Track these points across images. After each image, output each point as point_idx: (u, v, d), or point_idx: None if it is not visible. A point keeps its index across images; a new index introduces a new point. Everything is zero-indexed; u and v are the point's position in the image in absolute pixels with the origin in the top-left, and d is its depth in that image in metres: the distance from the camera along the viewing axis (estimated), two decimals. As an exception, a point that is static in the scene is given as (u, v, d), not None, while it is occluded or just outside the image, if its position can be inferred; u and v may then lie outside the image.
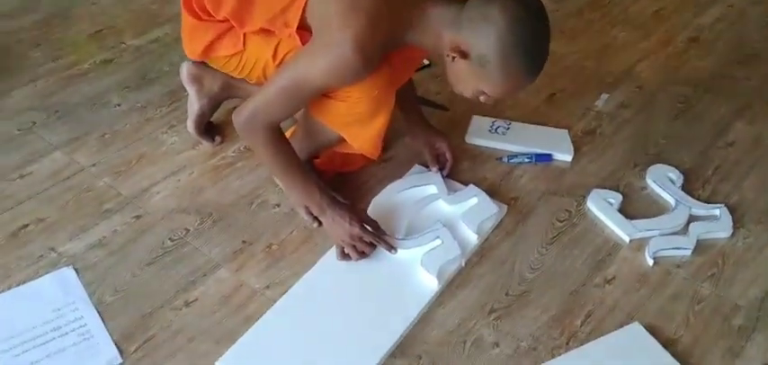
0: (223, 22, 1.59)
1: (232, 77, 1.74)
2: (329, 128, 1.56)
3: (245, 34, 1.57)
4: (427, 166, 1.76)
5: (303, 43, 1.47)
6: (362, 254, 1.54)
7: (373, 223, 1.57)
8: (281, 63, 1.54)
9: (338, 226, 1.54)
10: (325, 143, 1.64)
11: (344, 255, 1.54)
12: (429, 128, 1.81)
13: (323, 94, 1.48)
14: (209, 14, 1.59)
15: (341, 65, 1.36)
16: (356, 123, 1.52)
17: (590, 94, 2.08)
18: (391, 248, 1.55)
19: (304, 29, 1.48)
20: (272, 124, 1.49)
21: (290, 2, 1.47)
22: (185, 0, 1.63)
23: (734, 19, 2.46)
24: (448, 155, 1.77)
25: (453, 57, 1.40)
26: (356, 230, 1.53)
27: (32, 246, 1.59)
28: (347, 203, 1.58)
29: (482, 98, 1.44)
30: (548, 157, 1.84)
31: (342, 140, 1.59)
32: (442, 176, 1.73)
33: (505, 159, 1.83)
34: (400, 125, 1.80)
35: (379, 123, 1.53)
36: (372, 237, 1.54)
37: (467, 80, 1.42)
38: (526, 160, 1.82)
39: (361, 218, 1.56)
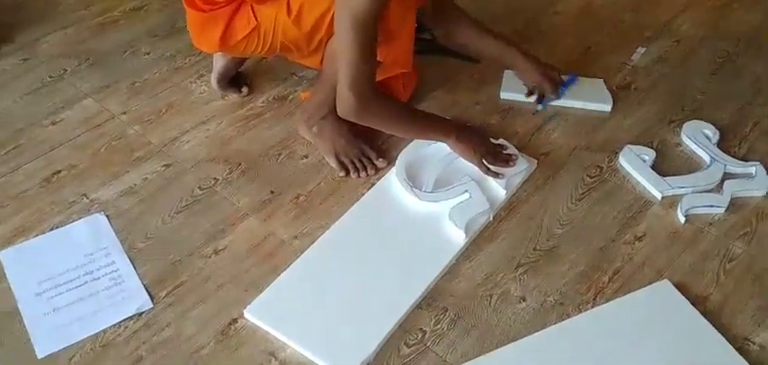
0: (228, 5, 1.60)
1: None
2: None
3: (252, 7, 1.58)
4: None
5: None
6: (506, 163, 1.63)
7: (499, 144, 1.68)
8: (297, 16, 1.55)
9: (480, 143, 1.63)
10: None
11: (491, 172, 1.61)
12: (535, 59, 1.85)
13: None
14: (212, 2, 1.60)
15: None
16: (386, 41, 1.52)
17: (627, 48, 2.06)
18: (512, 161, 1.64)
19: None
20: (374, 84, 1.51)
21: None
22: None
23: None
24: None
25: None
26: (491, 145, 1.65)
27: (65, 192, 1.64)
28: (471, 126, 1.73)
29: None
30: (573, 79, 1.86)
31: None
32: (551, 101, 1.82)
33: (540, 107, 1.83)
34: (430, 79, 1.81)
35: (407, 32, 1.57)
36: (503, 151, 1.66)
37: None
38: (556, 98, 1.84)
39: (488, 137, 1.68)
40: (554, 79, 1.84)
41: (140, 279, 1.46)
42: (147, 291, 1.43)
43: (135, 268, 1.48)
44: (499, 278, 1.47)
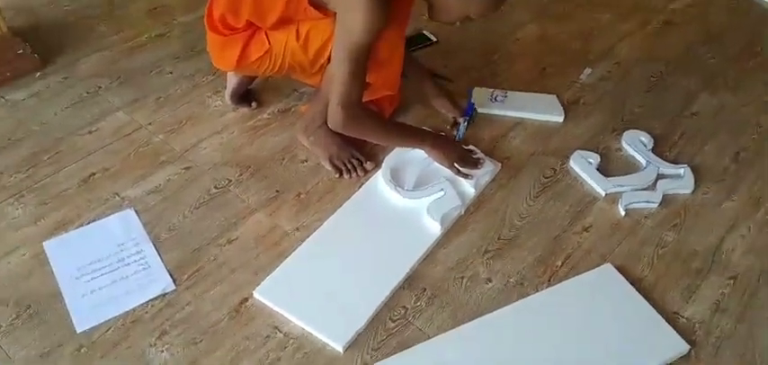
0: (245, 31, 1.59)
1: None
2: None
3: (266, 32, 1.57)
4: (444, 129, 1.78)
5: (317, 10, 1.47)
6: (475, 166, 1.63)
7: (469, 149, 1.67)
8: (304, 41, 1.54)
9: (452, 149, 1.62)
10: None
11: (461, 174, 1.60)
12: (447, 92, 1.83)
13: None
14: (232, 28, 1.59)
15: (370, 15, 1.37)
16: (377, 67, 1.51)
17: (576, 69, 2.06)
18: (480, 164, 1.63)
19: (314, 3, 1.48)
20: (361, 102, 1.50)
21: None
22: (210, 21, 1.62)
23: (703, 6, 2.42)
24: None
25: None
26: (462, 151, 1.64)
27: (100, 191, 1.62)
28: (445, 135, 1.71)
29: (464, 21, 1.45)
30: (470, 107, 1.80)
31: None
32: (467, 127, 1.76)
33: (457, 134, 1.75)
34: (409, 97, 1.82)
35: (397, 59, 1.55)
36: (472, 155, 1.65)
37: (453, 7, 1.43)
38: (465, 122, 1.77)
39: (459, 144, 1.68)
40: (459, 109, 1.79)
41: (164, 265, 1.45)
42: (171, 275, 1.43)
43: (160, 255, 1.47)
44: (469, 262, 1.47)
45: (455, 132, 1.76)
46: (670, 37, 2.25)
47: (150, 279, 1.42)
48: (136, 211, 1.57)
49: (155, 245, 1.49)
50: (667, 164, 1.70)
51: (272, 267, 1.44)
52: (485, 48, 2.15)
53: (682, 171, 1.67)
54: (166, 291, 1.40)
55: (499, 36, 2.21)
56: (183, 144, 1.77)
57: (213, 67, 1.83)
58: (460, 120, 1.76)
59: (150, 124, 1.84)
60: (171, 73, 2.04)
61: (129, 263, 1.45)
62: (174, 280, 1.42)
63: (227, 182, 1.66)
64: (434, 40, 2.17)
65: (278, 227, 1.54)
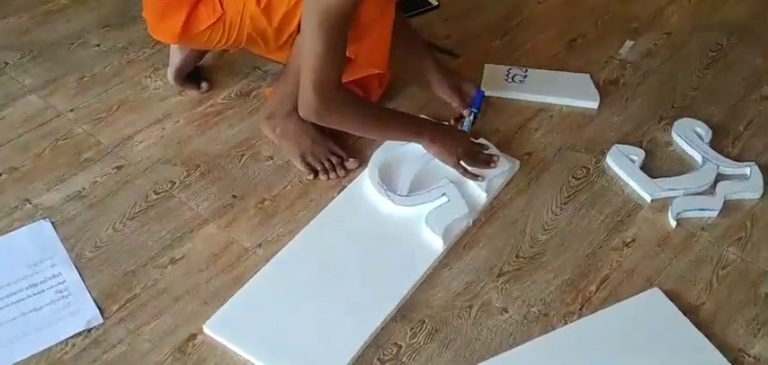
0: None
1: None
2: None
3: None
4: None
5: None
6: (487, 164, 1.63)
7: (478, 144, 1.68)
8: (266, 6, 1.54)
9: (457, 143, 1.63)
10: None
11: (469, 174, 1.62)
12: (450, 71, 1.82)
13: None
14: None
15: None
16: (358, 37, 1.51)
17: (614, 41, 2.07)
18: (492, 162, 1.64)
19: None
20: (340, 84, 1.49)
21: None
22: None
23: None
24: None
25: None
26: (470, 145, 1.65)
27: (5, 197, 1.61)
28: (448, 125, 1.72)
29: None
30: (479, 95, 1.79)
31: None
32: (474, 121, 1.75)
33: (463, 128, 1.75)
34: (404, 75, 1.82)
35: (384, 28, 1.55)
36: (482, 150, 1.66)
37: None
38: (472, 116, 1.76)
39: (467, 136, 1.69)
40: (465, 95, 1.78)
41: (89, 291, 1.44)
42: (97, 305, 1.42)
43: (83, 280, 1.46)
44: (479, 287, 1.47)
45: (460, 125, 1.76)
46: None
47: (71, 310, 1.41)
48: (52, 223, 1.56)
49: (77, 267, 1.48)
50: (730, 161, 1.71)
51: (227, 295, 1.44)
52: (499, 14, 2.16)
53: (748, 170, 1.68)
54: (92, 326, 1.39)
55: (517, -2, 2.22)
56: (113, 136, 1.76)
57: (152, 39, 1.83)
58: (465, 112, 1.76)
59: (71, 111, 1.83)
60: (98, 45, 2.04)
61: (43, 290, 1.44)
62: (102, 312, 1.41)
63: (169, 185, 1.65)
64: (435, 3, 2.17)
65: (235, 244, 1.54)
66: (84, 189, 1.64)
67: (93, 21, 2.12)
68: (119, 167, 1.69)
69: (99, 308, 1.41)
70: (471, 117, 1.75)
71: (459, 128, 1.75)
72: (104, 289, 1.44)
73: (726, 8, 2.22)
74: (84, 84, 1.91)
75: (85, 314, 1.40)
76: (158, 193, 1.63)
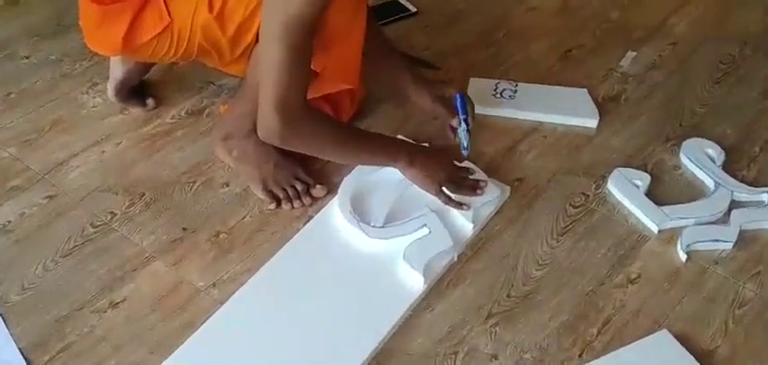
0: None
1: None
2: None
3: (165, 0, 1.57)
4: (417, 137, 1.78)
5: None
6: (473, 191, 1.64)
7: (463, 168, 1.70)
8: (220, 13, 1.55)
9: (439, 166, 1.63)
10: None
11: (453, 202, 1.62)
12: (430, 81, 1.83)
13: None
14: None
15: None
16: (325, 47, 1.51)
17: (614, 52, 2.10)
18: (479, 188, 1.65)
19: None
20: (305, 102, 1.49)
21: None
22: None
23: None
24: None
25: None
26: (454, 169, 1.66)
27: None
28: (429, 147, 1.73)
29: None
30: (460, 99, 1.76)
31: None
32: (468, 129, 1.74)
33: (464, 152, 1.75)
34: (377, 90, 1.82)
35: (354, 39, 1.55)
36: (468, 175, 1.67)
37: None
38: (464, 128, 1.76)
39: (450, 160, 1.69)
40: (447, 104, 1.79)
41: (15, 341, 1.42)
42: (24, 357, 1.40)
43: (8, 327, 1.44)
44: (465, 332, 1.47)
45: (461, 145, 1.74)
46: (745, 6, 2.30)
47: (-6, 362, 1.39)
48: (-27, 262, 1.54)
49: (0, 313, 1.46)
50: (745, 186, 1.72)
51: (176, 342, 1.42)
52: (486, 22, 2.18)
53: (765, 196, 1.70)
54: (18, 380, 1.37)
55: (506, 4, 2.24)
56: (44, 161, 1.76)
57: (89, 50, 1.82)
58: (454, 123, 1.77)
59: (-4, 132, 1.82)
60: (27, 58, 2.03)
61: (-39, 339, 1.42)
62: (29, 363, 1.39)
63: (109, 216, 1.64)
64: (413, 10, 2.19)
65: (185, 283, 1.53)
66: (9, 221, 1.63)
67: (21, 29, 2.11)
68: (51, 196, 1.68)
69: (26, 360, 1.39)
70: (464, 126, 1.74)
71: (461, 144, 1.74)
72: (33, 338, 1.43)
73: (738, 15, 2.25)
74: (11, 101, 1.90)
75: (11, 367, 1.38)
76: (96, 227, 1.62)
